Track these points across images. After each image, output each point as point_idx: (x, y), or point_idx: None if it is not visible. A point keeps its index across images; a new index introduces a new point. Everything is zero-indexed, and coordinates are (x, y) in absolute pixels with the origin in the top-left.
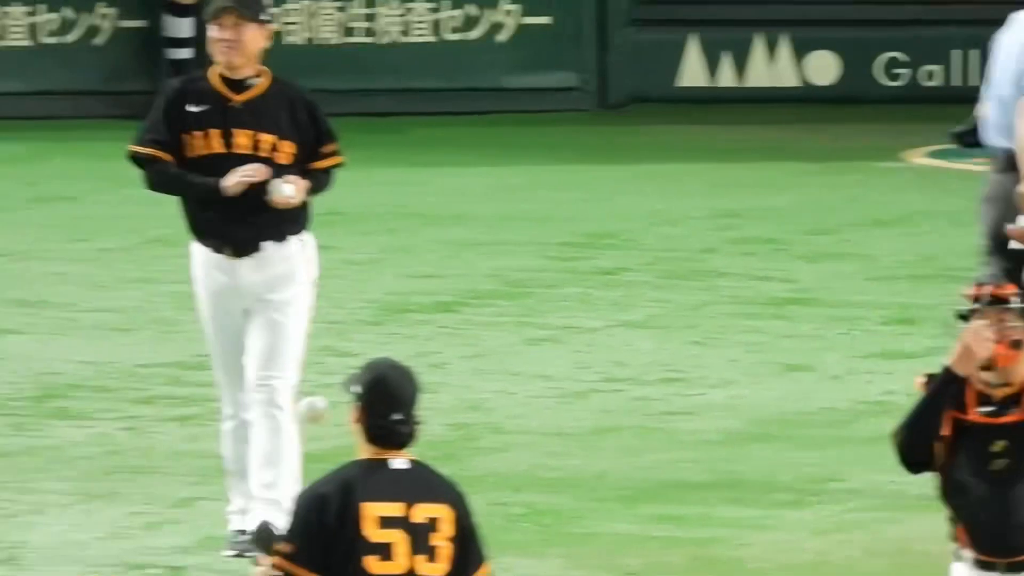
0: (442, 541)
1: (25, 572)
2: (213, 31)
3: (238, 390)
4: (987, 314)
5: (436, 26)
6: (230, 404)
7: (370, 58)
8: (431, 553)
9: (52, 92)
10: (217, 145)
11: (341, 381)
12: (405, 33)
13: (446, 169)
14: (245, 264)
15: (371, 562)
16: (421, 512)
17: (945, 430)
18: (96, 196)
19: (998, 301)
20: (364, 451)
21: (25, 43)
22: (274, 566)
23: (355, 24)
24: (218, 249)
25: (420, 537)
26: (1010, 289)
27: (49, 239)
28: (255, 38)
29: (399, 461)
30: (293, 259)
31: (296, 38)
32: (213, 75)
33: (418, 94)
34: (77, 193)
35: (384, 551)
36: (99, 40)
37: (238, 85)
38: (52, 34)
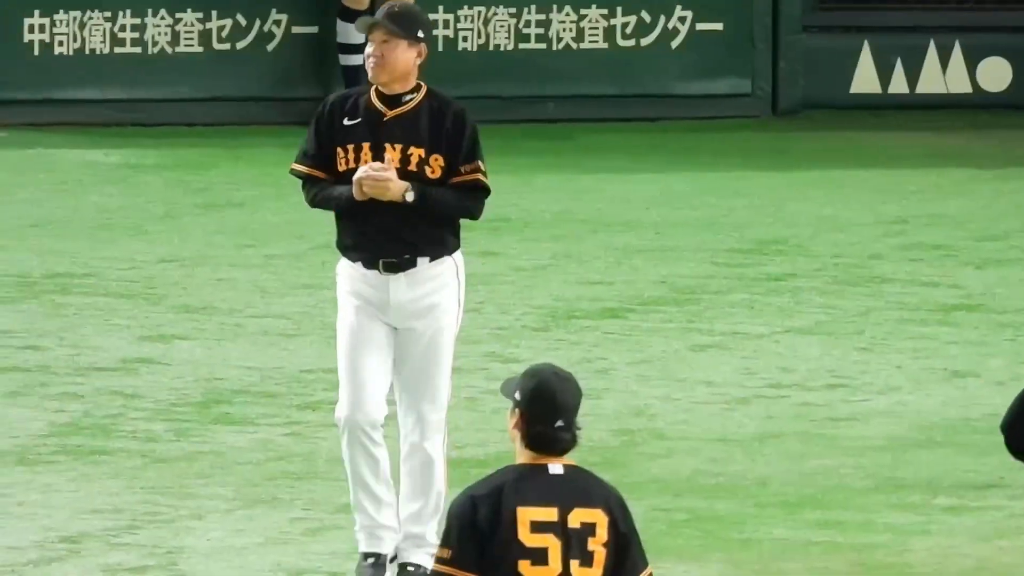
0: (597, 546)
1: None
2: (368, 46)
3: (360, 401)
4: None
5: (609, 32)
6: (347, 407)
7: (543, 64)
8: (586, 558)
9: (223, 98)
10: (368, 159)
11: (500, 386)
12: (578, 39)
13: (615, 175)
14: (398, 280)
15: (524, 566)
16: (577, 517)
17: None
18: (264, 203)
19: None
20: (522, 456)
21: (197, 50)
22: (433, 572)
23: (528, 30)
24: (369, 264)
25: (574, 542)
26: None
27: (217, 245)
28: (405, 56)
29: (555, 466)
30: (445, 278)
31: (469, 44)
32: (372, 89)
33: (589, 100)
34: (245, 200)
35: (537, 555)
36: (271, 46)
37: (393, 100)
38: (224, 40)
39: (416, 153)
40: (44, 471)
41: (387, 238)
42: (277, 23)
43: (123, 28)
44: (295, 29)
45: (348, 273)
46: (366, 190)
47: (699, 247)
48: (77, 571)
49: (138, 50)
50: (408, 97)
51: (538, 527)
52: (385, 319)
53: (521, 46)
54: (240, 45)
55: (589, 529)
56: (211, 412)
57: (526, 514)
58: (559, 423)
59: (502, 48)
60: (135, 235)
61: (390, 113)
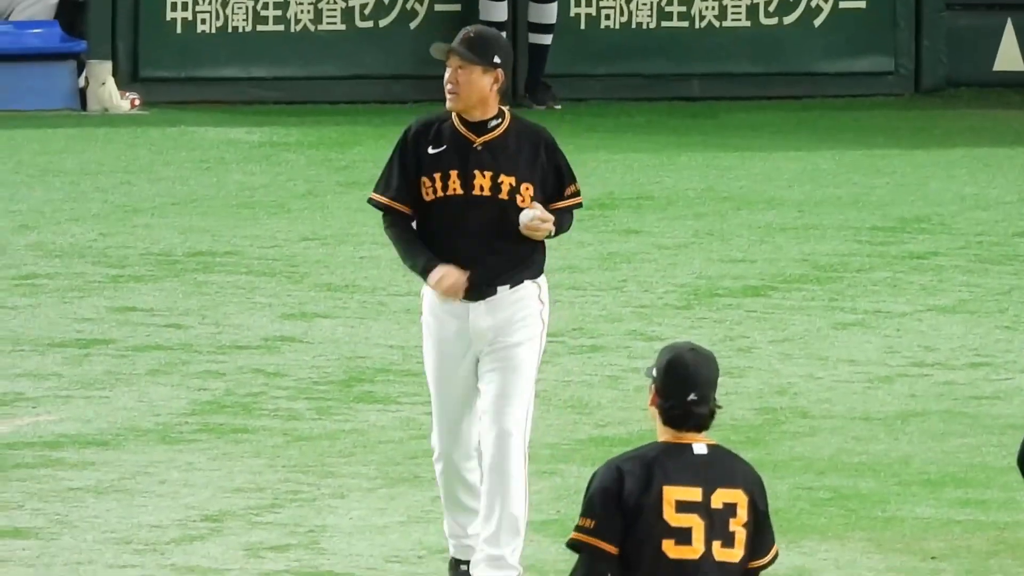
0: (738, 527)
1: (326, 556)
2: (446, 71)
3: (455, 436)
4: None
5: (752, 11)
6: (441, 442)
7: (685, 42)
8: (728, 539)
9: (365, 76)
10: (457, 187)
11: (644, 365)
12: (721, 18)
13: (758, 153)
14: (478, 308)
15: (668, 545)
16: (719, 497)
17: None
18: None
19: None
20: (662, 434)
21: (340, 27)
22: (573, 542)
23: (671, 8)
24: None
25: (717, 522)
26: None
27: (359, 223)
28: (480, 83)
29: (699, 446)
30: (527, 303)
31: (612, 22)
32: (454, 116)
33: (732, 78)
34: None
35: (682, 535)
36: (413, 24)
37: (479, 127)
38: (366, 18)
39: (507, 181)
40: (186, 449)
41: (469, 265)
42: (420, 1)
43: (266, 6)
44: (437, 7)
45: (430, 298)
46: (445, 292)
47: (842, 225)
48: (219, 550)
49: (280, 28)
50: (494, 123)
51: (683, 507)
52: (467, 345)
53: (664, 24)
54: (383, 23)
55: (731, 510)
56: (353, 391)
57: (671, 493)
58: (692, 396)
59: (644, 26)
60: (277, 213)
61: (479, 140)
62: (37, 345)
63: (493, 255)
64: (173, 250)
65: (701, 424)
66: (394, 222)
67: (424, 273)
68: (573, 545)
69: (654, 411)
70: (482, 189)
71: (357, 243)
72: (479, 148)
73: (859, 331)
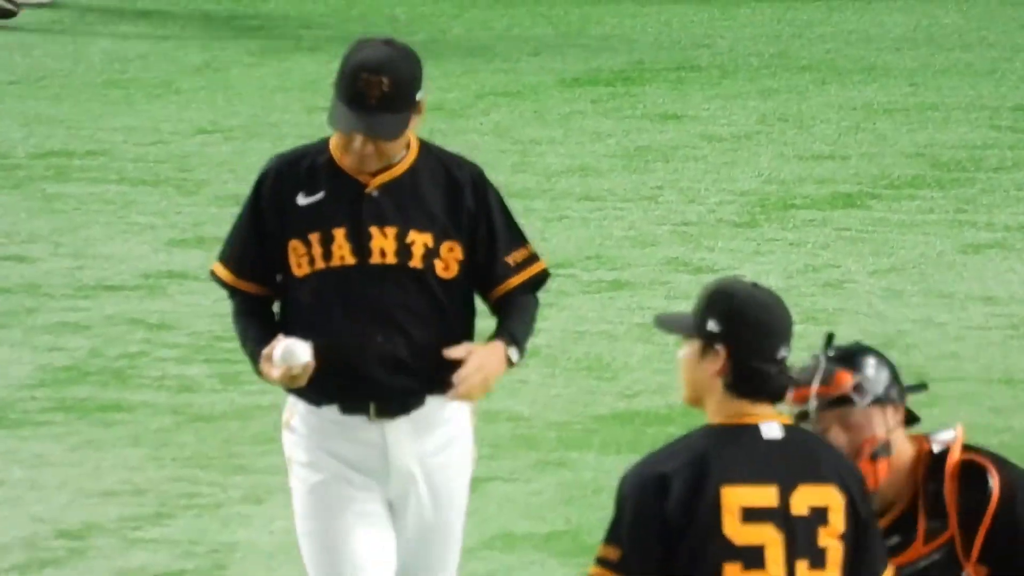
0: (831, 540)
1: None
2: (341, 134)
3: None
4: (824, 418)
5: None
6: None
7: None
8: (816, 557)
9: None
10: (345, 253)
11: (655, 319)
12: None
13: (849, 2)
14: (397, 430)
15: (732, 572)
16: (803, 499)
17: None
18: None
19: (837, 401)
20: (719, 412)
21: None
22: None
23: None
24: (352, 409)
25: (801, 534)
26: (846, 380)
27: (278, 108)
28: (406, 136)
29: (770, 426)
30: (460, 423)
31: None
32: (334, 146)
33: None
34: None
35: (751, 557)
36: None
37: None
38: None
39: (420, 241)
40: (32, 436)
41: (376, 366)
42: None
43: None
44: None
45: (311, 426)
46: (287, 379)
47: (972, 104)
48: None
49: None
50: (397, 156)
51: (752, 515)
52: (378, 489)
53: None
54: None
55: (820, 516)
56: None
57: (735, 497)
58: (782, 353)
59: None
60: (161, 95)
61: (373, 182)
62: None
63: (411, 354)
64: (11, 150)
65: (781, 392)
66: (242, 308)
67: (257, 356)
68: None
69: (713, 383)
70: (383, 254)
71: (276, 136)
72: (375, 194)
73: (997, 256)
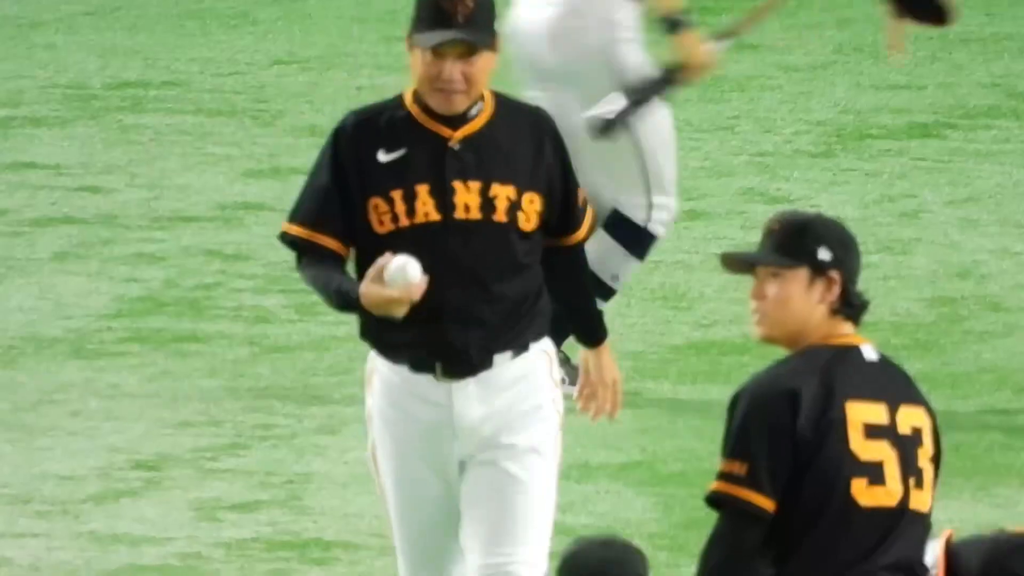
0: (925, 462)
1: (311, 517)
2: (430, 65)
3: None
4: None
5: None
6: None
7: None
8: (918, 477)
9: None
10: (430, 209)
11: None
12: None
13: None
14: (465, 390)
15: (859, 487)
16: (906, 419)
17: None
18: None
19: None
20: (815, 334)
21: None
22: (716, 495)
23: None
24: (420, 367)
25: (909, 453)
26: None
27: (355, 39)
28: (488, 70)
29: (869, 348)
30: (537, 382)
31: None
32: (411, 100)
33: None
34: None
35: (874, 472)
36: None
37: (452, 116)
38: None
39: (503, 194)
40: (109, 367)
41: (449, 322)
42: None
43: None
44: None
45: (387, 381)
46: (395, 302)
47: None
48: (158, 511)
49: None
50: (475, 108)
51: (872, 432)
52: (447, 447)
53: None
54: None
55: (918, 436)
56: None
57: (858, 412)
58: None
59: None
60: (238, 25)
61: (456, 135)
62: None
63: (488, 309)
64: (88, 81)
65: (863, 313)
66: (314, 261)
67: (351, 298)
68: (715, 499)
69: (818, 310)
70: (467, 209)
71: (353, 67)
72: (457, 148)
73: None
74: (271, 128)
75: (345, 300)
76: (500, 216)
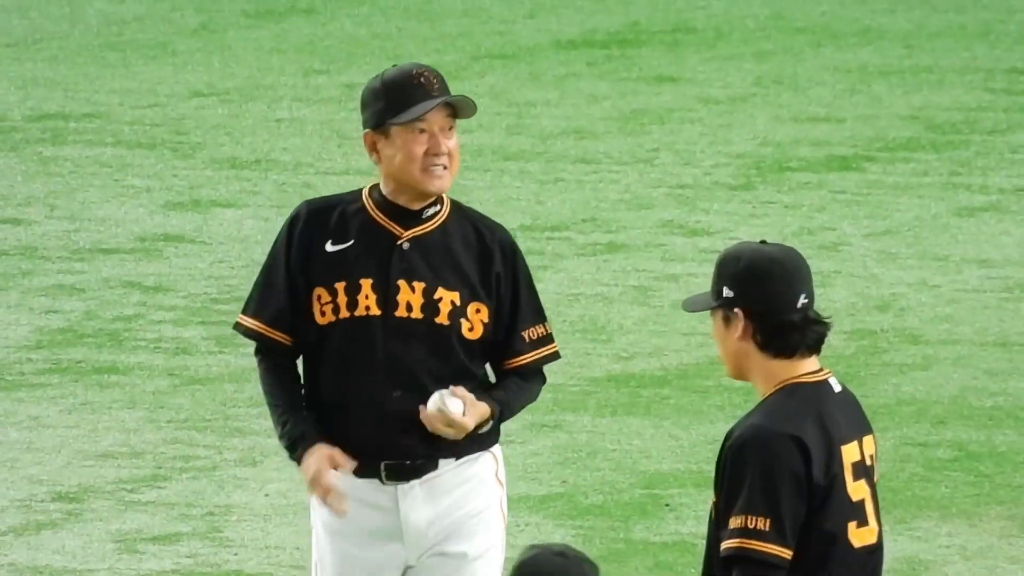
0: (874, 485)
1: (231, 550)
2: (419, 141)
3: None
4: None
5: None
6: None
7: None
8: (877, 504)
9: None
10: (371, 304)
11: (682, 304)
12: None
13: None
14: (410, 494)
15: (852, 530)
16: (867, 450)
17: None
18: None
19: None
20: (766, 377)
21: None
22: (738, 551)
23: None
24: (364, 471)
25: (872, 485)
26: None
27: (274, 70)
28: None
29: (833, 380)
30: (483, 487)
31: None
32: (368, 196)
33: None
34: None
35: (859, 512)
36: None
37: (407, 215)
38: None
39: (448, 298)
40: (28, 399)
41: (392, 424)
42: None
43: None
44: None
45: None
46: (324, 500)
47: (967, 67)
48: (78, 542)
49: None
50: (431, 210)
51: (857, 472)
52: (397, 559)
53: None
54: None
55: (872, 465)
56: None
57: (847, 455)
58: (804, 300)
59: None
60: (157, 57)
61: (406, 234)
62: None
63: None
64: (8, 112)
65: (817, 339)
66: (269, 362)
67: (293, 449)
68: (738, 556)
69: (746, 348)
70: (409, 308)
71: (272, 99)
72: (406, 247)
73: (992, 219)
74: (191, 160)
75: (289, 443)
76: (443, 319)
